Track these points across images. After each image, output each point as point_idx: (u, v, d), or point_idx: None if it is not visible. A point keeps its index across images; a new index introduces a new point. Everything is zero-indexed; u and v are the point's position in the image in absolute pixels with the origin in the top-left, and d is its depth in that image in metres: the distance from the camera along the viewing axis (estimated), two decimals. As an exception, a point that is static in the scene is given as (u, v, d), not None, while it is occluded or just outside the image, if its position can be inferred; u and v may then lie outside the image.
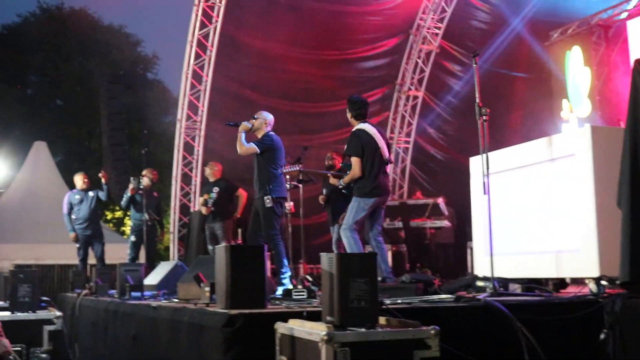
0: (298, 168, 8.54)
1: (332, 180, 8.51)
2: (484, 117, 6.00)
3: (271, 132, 8.46)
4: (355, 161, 7.76)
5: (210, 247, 11.42)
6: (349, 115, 8.09)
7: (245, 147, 8.35)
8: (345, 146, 7.96)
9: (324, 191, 10.70)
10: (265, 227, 8.21)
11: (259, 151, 8.30)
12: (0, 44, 30.82)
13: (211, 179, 11.79)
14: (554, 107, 15.49)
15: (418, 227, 12.56)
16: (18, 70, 30.51)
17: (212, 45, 14.97)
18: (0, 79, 29.01)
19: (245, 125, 8.40)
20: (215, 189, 11.52)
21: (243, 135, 8.39)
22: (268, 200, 8.13)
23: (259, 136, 8.43)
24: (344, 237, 7.73)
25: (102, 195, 12.55)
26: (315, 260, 11.16)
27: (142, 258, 12.58)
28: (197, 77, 15.16)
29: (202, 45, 14.99)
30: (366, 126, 7.92)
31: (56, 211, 14.57)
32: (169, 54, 33.05)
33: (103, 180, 12.52)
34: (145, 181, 11.96)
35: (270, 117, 8.57)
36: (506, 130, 14.74)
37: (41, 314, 7.54)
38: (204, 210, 11.51)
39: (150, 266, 11.14)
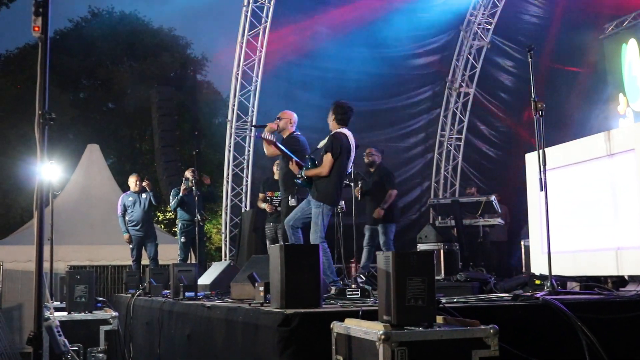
0: (273, 139, 8.24)
1: (293, 167, 7.96)
2: (540, 113, 5.91)
3: (297, 133, 8.39)
4: (328, 160, 7.42)
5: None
6: (331, 118, 7.76)
7: (271, 148, 8.30)
8: (324, 144, 7.65)
9: (360, 184, 10.51)
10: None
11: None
12: (53, 49, 31.10)
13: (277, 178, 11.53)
14: (609, 101, 15.22)
15: (471, 225, 12.36)
16: (70, 75, 30.94)
17: (262, 46, 14.99)
18: (53, 84, 29.40)
19: (270, 126, 8.32)
20: None
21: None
22: (293, 201, 8.07)
23: (285, 136, 8.36)
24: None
25: (152, 199, 12.72)
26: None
27: (192, 258, 12.66)
28: (246, 77, 15.18)
29: (251, 46, 15.02)
30: (349, 133, 7.67)
31: (109, 212, 14.76)
32: (218, 56, 33.15)
33: (147, 189, 12.66)
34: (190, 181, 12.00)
35: (294, 117, 8.46)
36: (561, 125, 14.52)
37: (97, 314, 7.65)
38: (267, 207, 11.19)
39: (201, 266, 11.13)
